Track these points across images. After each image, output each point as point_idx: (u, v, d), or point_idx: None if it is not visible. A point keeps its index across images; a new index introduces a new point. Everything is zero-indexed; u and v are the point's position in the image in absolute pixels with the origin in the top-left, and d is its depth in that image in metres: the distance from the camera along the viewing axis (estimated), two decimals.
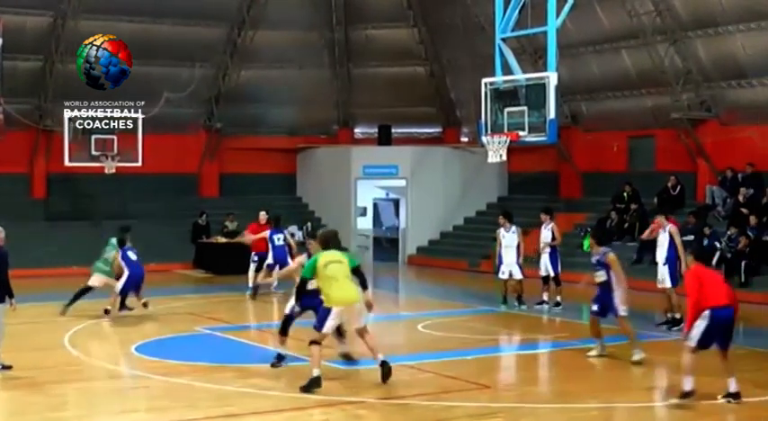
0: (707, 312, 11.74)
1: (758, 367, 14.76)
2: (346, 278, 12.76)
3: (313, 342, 12.65)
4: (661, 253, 17.79)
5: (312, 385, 12.37)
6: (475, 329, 17.98)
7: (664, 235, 17.80)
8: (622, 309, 14.69)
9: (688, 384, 11.79)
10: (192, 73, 31.58)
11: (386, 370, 12.84)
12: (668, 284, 17.62)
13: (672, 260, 17.59)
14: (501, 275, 20.93)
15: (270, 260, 22.08)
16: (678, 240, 17.80)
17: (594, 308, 14.92)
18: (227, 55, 32.40)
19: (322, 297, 12.87)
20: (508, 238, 20.78)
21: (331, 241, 13.17)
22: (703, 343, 11.87)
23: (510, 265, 20.67)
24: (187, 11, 30.52)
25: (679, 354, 15.29)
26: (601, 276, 14.87)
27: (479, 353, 15.81)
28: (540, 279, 20.91)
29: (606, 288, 14.78)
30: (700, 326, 11.79)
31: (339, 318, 12.83)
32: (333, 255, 12.84)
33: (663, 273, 17.69)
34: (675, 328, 17.09)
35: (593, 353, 14.99)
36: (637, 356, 14.54)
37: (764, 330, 18.50)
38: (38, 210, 30.41)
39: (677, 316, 17.38)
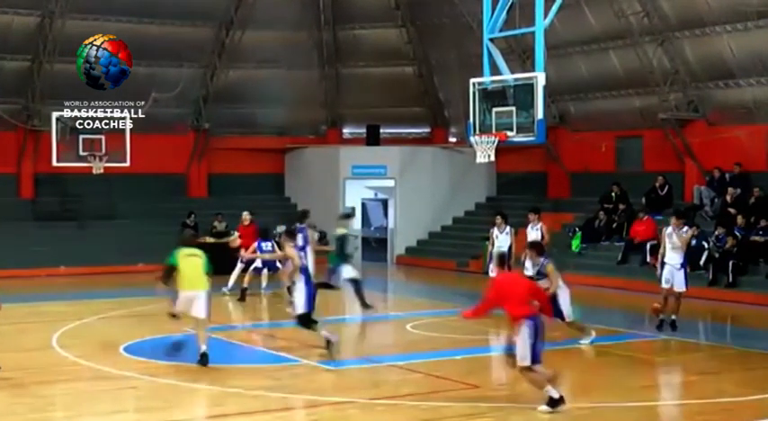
0: (527, 323, 11.65)
1: (747, 367, 14.83)
2: (198, 269, 14.59)
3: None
4: (677, 256, 17.38)
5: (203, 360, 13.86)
6: (464, 329, 17.97)
7: (681, 237, 17.44)
8: (566, 315, 15.78)
9: (553, 392, 11.54)
10: (179, 73, 31.52)
11: (204, 361, 13.84)
12: (682, 288, 17.36)
13: (686, 264, 17.52)
14: (491, 274, 20.93)
15: (258, 263, 22.10)
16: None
17: None
18: (216, 55, 32.35)
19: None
20: (501, 239, 20.83)
21: (189, 242, 15.54)
22: (534, 357, 11.69)
23: None
24: (175, 11, 30.46)
25: (669, 354, 15.40)
26: (544, 284, 15.48)
27: (468, 352, 15.82)
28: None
29: (552, 295, 15.30)
30: (526, 342, 11.59)
31: (184, 301, 14.43)
32: (191, 250, 14.92)
33: (678, 276, 17.33)
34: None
35: None
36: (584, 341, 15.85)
37: (753, 330, 18.56)
38: (26, 211, 30.31)
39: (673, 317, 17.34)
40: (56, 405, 12.29)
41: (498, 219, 21.08)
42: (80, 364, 14.55)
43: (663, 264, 17.54)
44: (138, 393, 12.75)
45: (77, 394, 12.83)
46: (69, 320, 18.17)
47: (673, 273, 17.35)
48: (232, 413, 11.58)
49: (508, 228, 20.93)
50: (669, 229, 17.59)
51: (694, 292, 21.09)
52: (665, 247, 17.51)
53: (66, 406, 12.30)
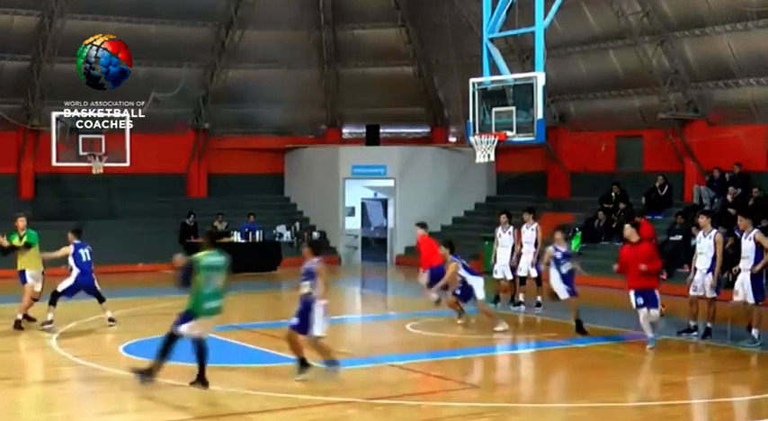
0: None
1: (747, 367, 14.85)
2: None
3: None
4: (705, 260, 16.64)
5: None
6: (463, 329, 17.99)
7: (707, 241, 16.58)
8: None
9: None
10: (179, 73, 31.54)
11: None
12: (712, 294, 16.56)
13: (713, 268, 16.58)
14: (495, 275, 20.96)
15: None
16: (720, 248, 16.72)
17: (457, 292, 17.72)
18: (215, 55, 32.37)
19: None
20: (505, 238, 20.79)
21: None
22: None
23: (504, 266, 20.68)
24: (175, 11, 30.49)
25: (669, 354, 15.39)
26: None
27: (468, 352, 15.82)
28: (518, 279, 20.88)
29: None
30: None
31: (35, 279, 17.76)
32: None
33: (706, 281, 16.59)
34: (694, 335, 16.79)
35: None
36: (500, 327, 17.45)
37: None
38: (25, 211, 30.22)
39: (694, 324, 16.87)
40: (56, 405, 12.28)
41: (503, 218, 20.99)
42: (80, 364, 14.55)
43: (695, 269, 16.85)
44: (137, 393, 12.73)
45: (77, 394, 12.84)
46: (69, 320, 18.15)
47: (701, 278, 16.69)
48: (232, 413, 11.58)
49: (511, 228, 20.88)
50: (700, 234, 16.94)
51: None
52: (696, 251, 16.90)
53: (65, 406, 12.30)
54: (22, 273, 17.94)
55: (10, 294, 19.12)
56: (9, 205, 29.81)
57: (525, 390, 13.64)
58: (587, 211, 28.71)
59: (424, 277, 18.70)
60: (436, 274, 18.12)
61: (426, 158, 33.08)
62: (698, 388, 13.62)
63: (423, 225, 19.34)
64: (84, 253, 17.99)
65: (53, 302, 17.49)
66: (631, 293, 15.73)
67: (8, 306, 18.53)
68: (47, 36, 29.14)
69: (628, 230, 16.11)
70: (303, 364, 13.26)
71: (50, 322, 17.31)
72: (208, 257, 12.70)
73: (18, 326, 17.53)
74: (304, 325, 13.13)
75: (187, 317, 12.52)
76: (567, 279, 17.64)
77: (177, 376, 13.34)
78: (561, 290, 17.62)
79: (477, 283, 17.61)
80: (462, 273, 17.57)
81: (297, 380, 13.03)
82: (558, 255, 17.66)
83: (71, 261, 17.84)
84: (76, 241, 18.00)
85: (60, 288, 17.63)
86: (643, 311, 15.59)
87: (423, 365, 14.63)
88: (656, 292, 15.69)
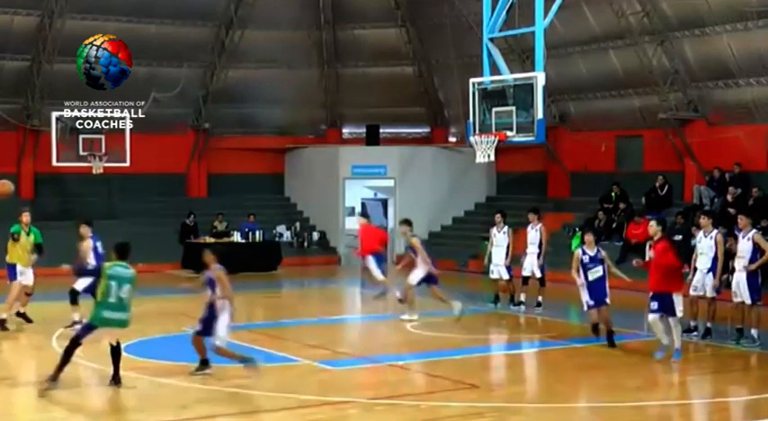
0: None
1: (747, 367, 14.86)
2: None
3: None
4: (706, 260, 16.63)
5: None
6: (463, 329, 17.99)
7: (708, 241, 16.61)
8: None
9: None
10: (179, 73, 31.56)
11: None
12: (712, 293, 16.58)
13: (714, 269, 16.55)
14: (491, 275, 20.97)
15: None
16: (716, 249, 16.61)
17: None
18: (215, 55, 32.38)
19: None
20: (500, 238, 20.77)
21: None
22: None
23: (498, 265, 20.67)
24: (175, 11, 30.50)
25: (669, 354, 15.38)
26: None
27: (468, 352, 15.83)
28: (521, 278, 20.86)
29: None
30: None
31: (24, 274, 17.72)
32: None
33: (707, 281, 16.59)
34: (694, 335, 16.82)
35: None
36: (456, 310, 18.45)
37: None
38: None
39: (694, 324, 16.90)
40: (55, 404, 12.28)
41: (498, 218, 21.04)
42: (80, 364, 14.53)
43: (695, 269, 16.77)
44: (138, 393, 12.74)
45: (77, 394, 12.82)
46: (69, 320, 18.13)
47: (701, 278, 16.67)
48: (232, 413, 11.59)
49: (506, 228, 20.87)
50: (700, 234, 16.91)
51: None
52: (696, 252, 16.83)
53: (65, 405, 12.29)
54: (12, 267, 17.77)
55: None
56: (9, 205, 29.75)
57: (525, 390, 13.65)
58: (587, 211, 28.71)
59: (371, 263, 20.45)
60: (379, 259, 20.64)
61: (426, 158, 33.09)
62: (698, 388, 13.62)
63: (364, 215, 22.27)
64: (99, 245, 17.90)
65: (75, 301, 17.29)
66: (650, 296, 14.99)
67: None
68: (47, 36, 29.14)
69: (653, 228, 15.18)
70: (203, 363, 13.51)
71: (79, 322, 17.04)
72: (115, 267, 12.84)
73: (2, 325, 17.35)
74: (207, 330, 13.39)
75: (88, 327, 12.89)
76: (594, 287, 16.25)
77: (177, 376, 13.36)
78: (584, 300, 16.36)
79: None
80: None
81: (192, 375, 13.28)
82: (586, 259, 16.24)
83: (91, 255, 17.52)
84: (91, 234, 17.95)
85: (80, 286, 17.35)
86: (653, 317, 14.84)
87: (423, 365, 14.63)
88: (675, 297, 14.70)
